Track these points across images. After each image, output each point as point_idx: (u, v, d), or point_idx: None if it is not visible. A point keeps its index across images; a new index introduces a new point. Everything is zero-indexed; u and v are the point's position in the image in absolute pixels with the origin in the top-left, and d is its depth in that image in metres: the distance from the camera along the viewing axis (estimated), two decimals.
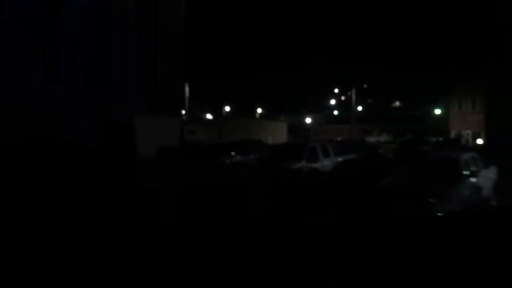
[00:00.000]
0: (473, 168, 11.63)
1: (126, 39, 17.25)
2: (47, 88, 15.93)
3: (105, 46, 16.86)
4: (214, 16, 74.33)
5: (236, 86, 66.17)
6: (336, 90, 78.93)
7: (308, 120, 62.72)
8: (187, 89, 43.02)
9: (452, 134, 47.97)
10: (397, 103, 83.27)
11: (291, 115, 67.00)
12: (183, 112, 31.16)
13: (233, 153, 21.82)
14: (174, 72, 19.11)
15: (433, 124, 52.28)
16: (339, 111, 72.12)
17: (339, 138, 43.53)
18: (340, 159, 17.07)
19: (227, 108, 66.88)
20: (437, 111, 52.02)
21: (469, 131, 46.28)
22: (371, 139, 53.43)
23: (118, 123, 16.97)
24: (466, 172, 11.12)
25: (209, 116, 65.34)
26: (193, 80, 47.57)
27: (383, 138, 54.50)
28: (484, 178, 11.90)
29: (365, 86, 66.85)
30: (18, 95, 15.41)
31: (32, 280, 6.49)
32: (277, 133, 47.68)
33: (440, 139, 41.56)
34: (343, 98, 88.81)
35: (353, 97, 45.30)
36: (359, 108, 76.75)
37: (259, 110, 70.20)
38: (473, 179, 11.21)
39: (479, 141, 43.19)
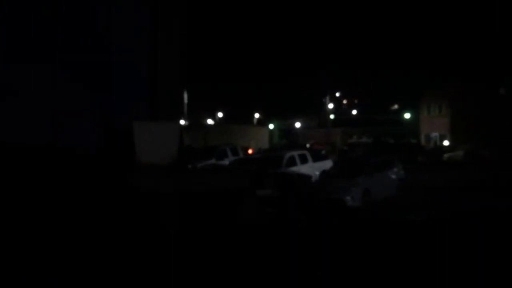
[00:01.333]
0: (297, 162, 16.85)
1: (126, 43, 17.42)
2: (46, 90, 16.07)
3: (104, 49, 17.01)
4: (214, 18, 77.18)
5: (235, 91, 69.16)
6: (337, 94, 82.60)
7: (298, 125, 66.85)
8: (186, 94, 46.18)
9: (422, 137, 51.95)
10: (396, 106, 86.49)
11: (286, 119, 70.52)
12: (182, 117, 34.55)
13: None
14: (174, 77, 19.14)
15: (408, 128, 56.14)
16: (335, 115, 75.55)
17: (311, 142, 47.96)
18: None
19: (220, 114, 70.82)
20: (407, 115, 55.82)
21: (437, 134, 50.14)
22: (353, 141, 57.41)
23: (117, 128, 16.95)
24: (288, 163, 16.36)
25: (210, 121, 68.92)
26: (194, 85, 50.11)
27: (364, 140, 58.29)
28: (311, 168, 17.25)
29: (337, 94, 70.33)
30: (17, 96, 15.67)
31: (32, 280, 6.69)
32: (260, 138, 52.19)
33: (407, 141, 45.72)
34: (345, 101, 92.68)
35: (327, 103, 49.33)
36: (354, 111, 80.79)
37: (257, 115, 73.96)
38: (294, 168, 16.56)
39: (446, 143, 47.03)
